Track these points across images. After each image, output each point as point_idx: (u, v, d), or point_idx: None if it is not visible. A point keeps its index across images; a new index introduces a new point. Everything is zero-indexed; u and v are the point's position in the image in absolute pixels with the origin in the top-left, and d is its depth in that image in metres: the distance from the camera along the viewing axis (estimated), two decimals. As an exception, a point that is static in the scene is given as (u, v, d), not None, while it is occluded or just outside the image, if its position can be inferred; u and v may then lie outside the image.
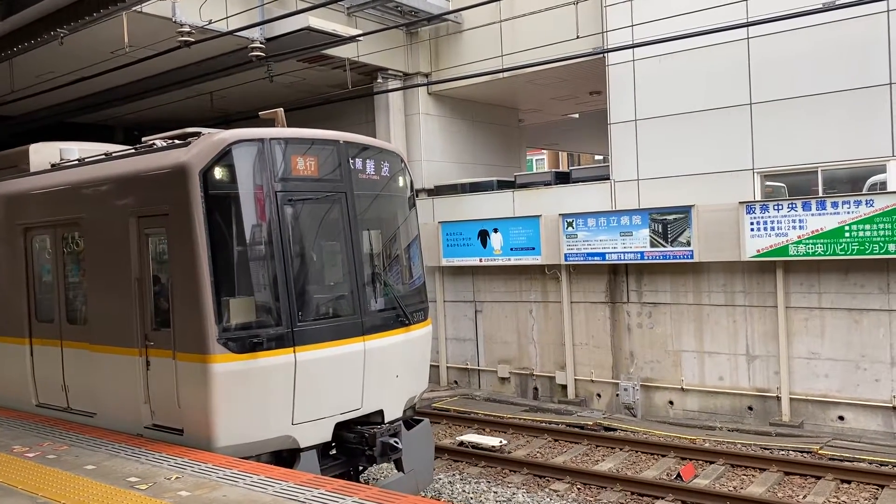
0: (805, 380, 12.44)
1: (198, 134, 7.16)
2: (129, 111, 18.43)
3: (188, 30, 12.38)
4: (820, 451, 11.00)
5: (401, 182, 8.47)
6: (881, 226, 11.18)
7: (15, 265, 8.66)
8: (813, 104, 12.23)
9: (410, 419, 8.50)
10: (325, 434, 7.14)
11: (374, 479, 8.19)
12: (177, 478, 5.97)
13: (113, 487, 5.81)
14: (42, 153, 9.34)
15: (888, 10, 11.39)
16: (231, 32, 12.26)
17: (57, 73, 14.39)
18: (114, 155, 8.23)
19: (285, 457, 6.90)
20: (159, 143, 7.60)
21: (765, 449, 11.27)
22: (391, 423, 7.81)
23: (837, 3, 10.34)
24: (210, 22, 12.52)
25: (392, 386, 7.88)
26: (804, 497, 9.47)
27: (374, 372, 7.52)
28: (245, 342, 6.38)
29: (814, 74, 12.19)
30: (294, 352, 6.67)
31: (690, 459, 11.01)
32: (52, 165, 9.04)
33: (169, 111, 19.12)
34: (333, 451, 7.59)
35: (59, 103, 17.22)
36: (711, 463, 10.88)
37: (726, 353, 13.28)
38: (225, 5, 13.24)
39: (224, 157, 6.60)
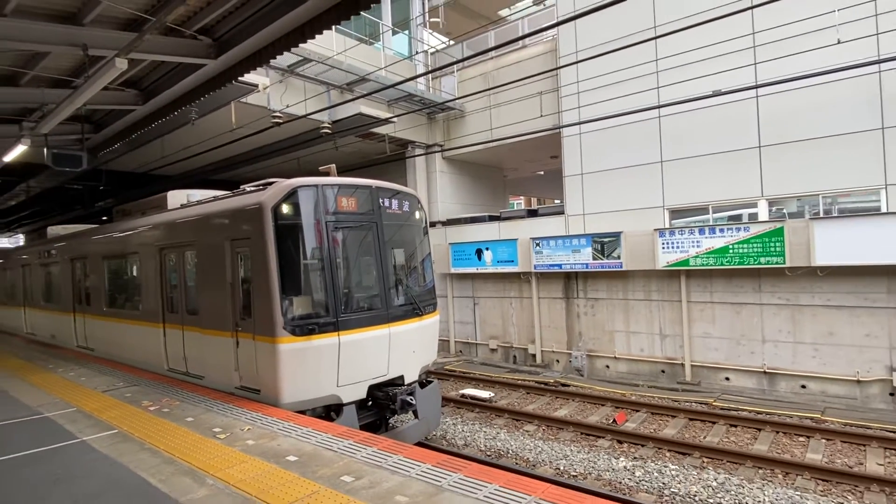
0: (701, 352, 11.89)
1: (272, 182, 6.81)
2: (246, 172, 18.13)
3: (278, 114, 12.10)
4: (714, 403, 10.36)
5: (417, 215, 8.08)
6: (754, 245, 10.78)
7: (153, 274, 8.35)
8: (706, 161, 11.88)
9: (425, 381, 8.06)
10: (361, 393, 6.84)
11: (400, 422, 7.74)
12: (248, 429, 5.40)
13: (201, 437, 5.26)
14: (175, 197, 9.08)
15: (757, 97, 11.03)
16: (307, 115, 11.92)
17: (193, 146, 14.10)
18: (218, 198, 7.92)
19: (333, 409, 6.60)
20: (249, 188, 7.25)
21: (674, 401, 10.63)
22: (409, 384, 7.50)
23: (723, 90, 10.02)
24: (288, 106, 12.26)
25: (410, 358, 7.47)
26: (704, 437, 8.84)
27: (397, 348, 7.18)
28: (302, 328, 6.13)
29: (707, 140, 11.81)
30: (338, 335, 6.39)
31: (622, 408, 10.40)
32: (181, 206, 8.72)
33: (271, 171, 18.64)
34: (369, 405, 7.19)
35: (200, 167, 17.05)
36: (637, 411, 10.26)
37: (645, 332, 12.70)
38: (304, 97, 12.93)
39: (289, 197, 6.38)
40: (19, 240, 34.19)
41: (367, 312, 6.88)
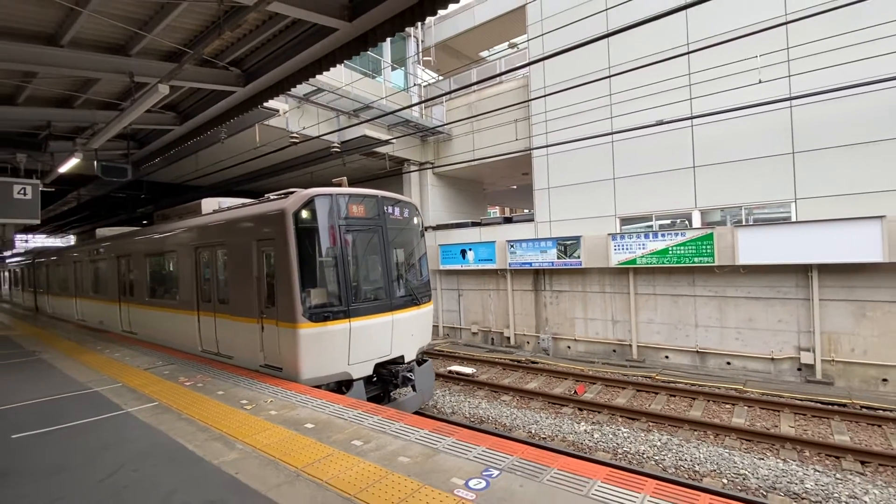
0: (646, 335, 11.92)
1: (293, 192, 6.63)
2: (267, 183, 17.84)
3: (295, 135, 11.91)
4: (656, 377, 10.39)
5: (415, 220, 7.92)
6: (689, 247, 10.83)
7: (189, 269, 8.09)
8: (650, 178, 11.91)
9: (421, 359, 7.94)
10: (368, 370, 6.71)
11: (400, 394, 7.54)
12: (271, 401, 5.26)
13: (230, 408, 5.10)
14: (209, 204, 8.82)
15: (692, 126, 11.09)
16: (320, 136, 11.74)
17: (222, 160, 13.83)
18: (246, 204, 7.73)
19: (344, 384, 6.49)
20: (273, 197, 7.07)
21: (624, 376, 10.61)
22: (408, 363, 7.37)
23: (664, 120, 10.06)
24: (304, 128, 12.03)
25: (409, 341, 7.33)
26: (649, 405, 8.84)
27: (398, 333, 7.05)
28: (319, 316, 6.01)
29: (652, 161, 11.83)
30: (349, 322, 6.28)
31: (582, 382, 10.37)
32: (213, 211, 8.46)
33: (289, 183, 18.49)
34: (374, 381, 7.03)
35: (228, 179, 16.77)
36: (594, 384, 10.22)
37: (600, 319, 12.70)
38: (318, 121, 12.75)
39: (308, 204, 6.24)
40: (70, 240, 33.26)
41: (373, 302, 6.74)
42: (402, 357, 7.26)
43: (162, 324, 9.15)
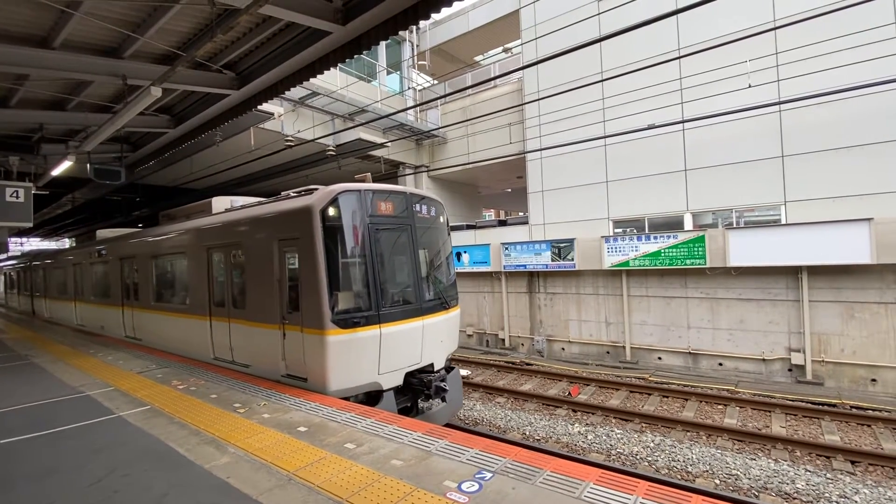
0: (639, 336, 11.94)
1: (315, 189, 6.11)
2: (262, 187, 17.77)
3: (290, 138, 11.87)
4: (649, 378, 10.40)
5: (442, 219, 7.30)
6: (681, 250, 10.86)
7: (200, 271, 7.55)
8: (643, 181, 11.97)
9: (449, 366, 7.22)
10: (398, 380, 6.13)
11: (427, 407, 6.76)
12: (264, 404, 5.21)
13: (223, 411, 5.04)
14: (219, 202, 8.30)
15: (683, 130, 11.16)
16: (315, 140, 11.71)
17: (217, 164, 13.75)
18: (262, 203, 7.23)
19: (374, 395, 5.88)
20: (293, 194, 6.48)
21: (617, 377, 10.62)
22: (438, 371, 6.78)
23: (656, 124, 10.12)
24: (299, 131, 11.97)
25: (439, 347, 6.76)
26: (642, 406, 8.84)
27: (428, 339, 6.48)
28: (348, 322, 5.46)
29: (644, 164, 11.88)
30: (380, 328, 5.72)
31: (576, 383, 10.36)
32: (226, 210, 7.89)
33: (283, 187, 18.34)
34: (403, 391, 6.41)
35: (223, 182, 16.67)
36: (587, 385, 10.23)
37: (594, 321, 12.72)
38: (313, 124, 12.72)
39: (335, 201, 5.67)
40: (65, 243, 32.96)
41: (403, 306, 6.16)
42: (432, 364, 6.68)
43: (170, 329, 8.57)
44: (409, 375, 6.29)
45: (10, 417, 5.20)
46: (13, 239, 30.94)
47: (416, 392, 6.45)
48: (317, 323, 5.43)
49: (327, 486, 3.28)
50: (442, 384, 6.47)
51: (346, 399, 5.45)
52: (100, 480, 3.56)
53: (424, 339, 6.39)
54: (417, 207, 6.70)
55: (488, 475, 3.34)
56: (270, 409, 4.99)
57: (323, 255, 5.47)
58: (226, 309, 7.01)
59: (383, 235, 6.13)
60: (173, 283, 8.73)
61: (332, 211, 5.63)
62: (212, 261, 7.34)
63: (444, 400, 6.87)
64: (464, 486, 3.20)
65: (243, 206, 7.48)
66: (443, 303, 6.80)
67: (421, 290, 6.45)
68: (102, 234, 12.34)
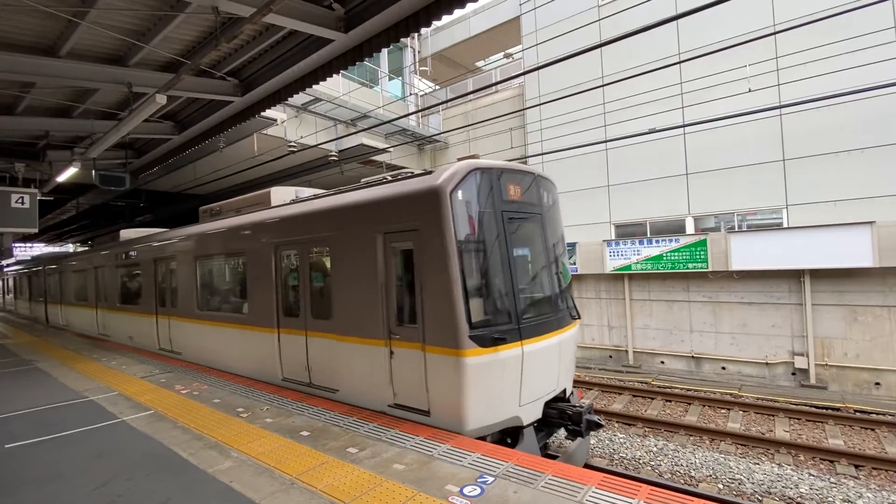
0: (641, 340, 11.92)
1: (405, 172, 5.10)
2: (265, 191, 17.84)
3: (293, 144, 11.94)
4: (652, 382, 10.37)
5: (559, 206, 5.99)
6: (683, 254, 10.87)
7: (265, 274, 6.27)
8: (644, 185, 11.99)
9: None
10: (538, 412, 4.86)
11: (559, 444, 6.16)
12: (267, 409, 5.21)
13: (226, 415, 5.06)
14: (279, 193, 6.94)
15: (685, 134, 11.18)
16: (318, 145, 11.78)
17: (220, 169, 13.84)
18: (342, 190, 5.67)
19: (510, 434, 4.60)
20: (388, 178, 5.17)
21: (620, 381, 10.62)
22: (576, 400, 5.49)
23: (657, 129, 10.16)
24: (301, 137, 12.05)
25: (569, 368, 5.49)
26: (645, 410, 8.82)
27: (563, 358, 5.23)
28: (487, 339, 4.19)
29: (645, 168, 11.92)
30: (522, 345, 4.47)
31: (578, 388, 10.29)
32: (292, 201, 6.51)
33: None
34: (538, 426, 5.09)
35: (226, 187, 16.72)
36: (590, 389, 10.21)
37: (596, 325, 12.70)
38: (316, 130, 12.80)
39: (468, 181, 4.41)
40: (69, 249, 33.11)
41: (541, 318, 4.89)
42: (564, 391, 5.40)
43: (219, 343, 7.24)
44: (546, 406, 5.04)
45: (14, 422, 5.23)
46: (17, 244, 31.17)
47: (550, 426, 5.18)
48: (447, 340, 4.19)
49: (329, 491, 3.29)
50: (595, 417, 5.18)
51: (482, 439, 4.26)
52: (103, 485, 3.57)
53: (560, 358, 5.16)
54: (544, 193, 5.47)
55: (490, 479, 3.34)
56: (273, 414, 4.99)
57: (456, 251, 4.21)
58: (301, 319, 5.77)
59: (518, 226, 4.92)
60: (225, 289, 7.49)
61: (463, 194, 4.35)
62: (281, 261, 6.10)
63: (578, 434, 5.27)
64: (466, 490, 3.20)
65: (315, 197, 6.17)
66: (571, 312, 5.51)
67: (556, 296, 5.27)
68: (127, 233, 11.14)
